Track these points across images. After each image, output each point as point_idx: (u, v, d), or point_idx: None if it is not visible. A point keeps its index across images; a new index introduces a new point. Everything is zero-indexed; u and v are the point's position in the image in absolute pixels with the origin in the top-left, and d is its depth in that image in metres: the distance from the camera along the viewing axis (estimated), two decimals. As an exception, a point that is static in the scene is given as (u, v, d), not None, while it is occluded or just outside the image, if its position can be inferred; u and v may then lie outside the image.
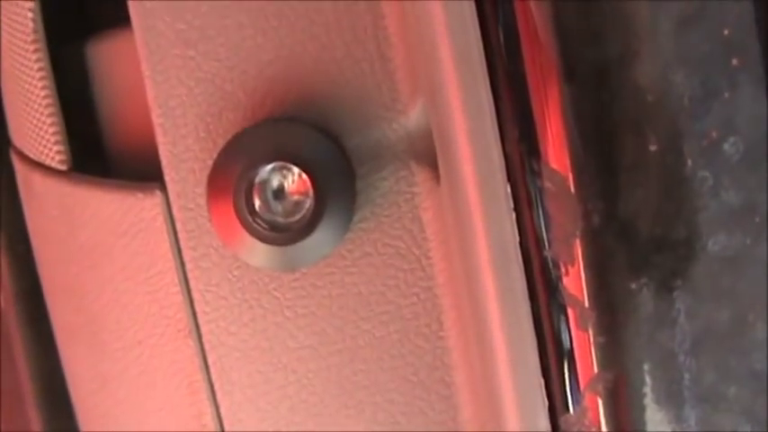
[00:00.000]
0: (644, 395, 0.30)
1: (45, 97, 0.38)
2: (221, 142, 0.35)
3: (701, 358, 0.29)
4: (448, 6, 0.29)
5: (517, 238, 0.30)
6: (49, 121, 0.38)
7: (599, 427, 0.31)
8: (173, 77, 0.35)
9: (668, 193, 0.29)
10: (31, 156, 0.39)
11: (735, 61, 0.28)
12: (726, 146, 0.28)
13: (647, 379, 0.30)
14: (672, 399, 0.30)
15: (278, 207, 0.34)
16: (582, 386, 0.30)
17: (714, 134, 0.28)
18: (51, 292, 0.41)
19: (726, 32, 0.28)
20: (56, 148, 0.38)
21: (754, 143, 0.29)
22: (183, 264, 0.36)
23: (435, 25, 0.29)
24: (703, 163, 0.28)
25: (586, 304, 0.30)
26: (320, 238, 0.34)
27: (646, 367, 0.30)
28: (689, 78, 0.28)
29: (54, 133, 0.38)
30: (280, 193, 0.34)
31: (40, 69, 0.38)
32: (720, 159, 0.28)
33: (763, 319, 0.30)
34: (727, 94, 0.28)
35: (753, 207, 0.29)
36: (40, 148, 0.39)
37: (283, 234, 0.33)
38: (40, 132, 0.38)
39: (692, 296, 0.29)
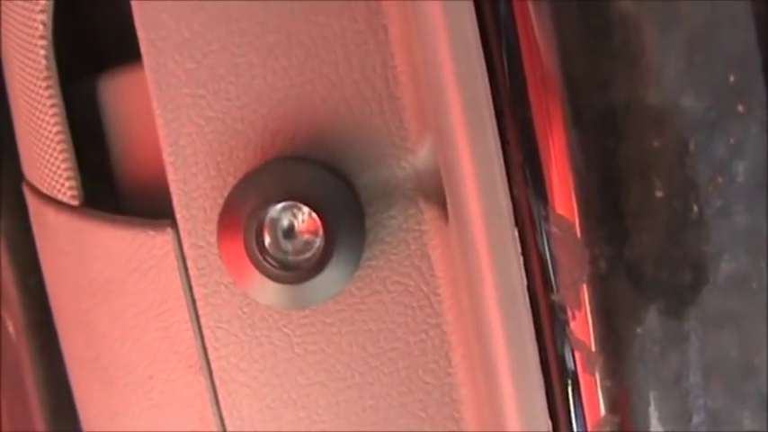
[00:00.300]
0: (653, 437, 0.30)
1: (57, 133, 0.38)
2: (232, 180, 0.35)
3: (711, 401, 0.30)
4: (456, 52, 0.30)
5: (525, 282, 0.30)
6: (61, 156, 0.38)
7: (607, 471, 0.31)
8: (183, 116, 0.35)
9: (673, 239, 0.29)
10: (44, 190, 0.40)
11: (741, 108, 0.28)
12: (731, 191, 0.29)
13: (655, 422, 0.30)
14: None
15: (288, 246, 0.34)
16: (589, 429, 0.30)
17: (720, 180, 0.28)
18: (63, 325, 0.41)
19: (732, 79, 0.28)
20: (68, 183, 0.38)
21: (759, 185, 0.29)
22: (193, 300, 0.36)
23: (444, 70, 0.30)
24: (709, 210, 0.28)
25: (593, 348, 0.30)
26: (330, 276, 0.34)
27: (653, 411, 0.30)
28: (694, 125, 0.28)
29: (66, 169, 0.38)
30: (290, 231, 0.34)
31: (52, 106, 0.38)
32: (725, 205, 0.28)
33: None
34: (732, 141, 0.28)
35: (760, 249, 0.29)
36: (53, 183, 0.39)
37: (293, 273, 0.34)
38: (52, 168, 0.39)
39: (699, 341, 0.29)
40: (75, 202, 0.38)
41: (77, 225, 0.38)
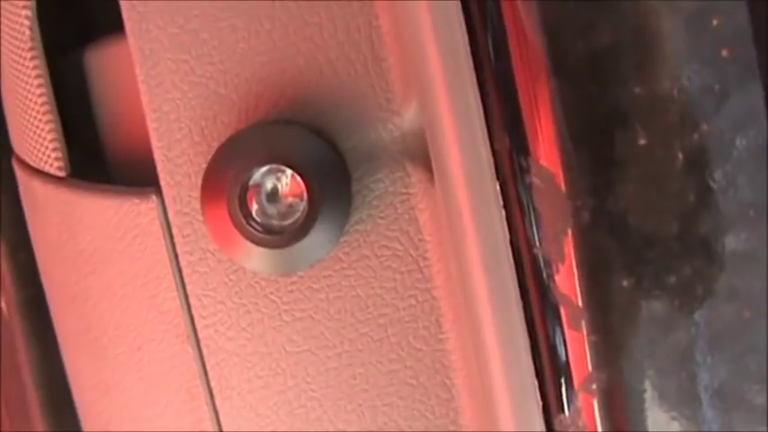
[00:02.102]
0: (641, 394, 0.29)
1: (43, 104, 0.38)
2: (216, 146, 0.35)
3: (702, 356, 0.29)
4: (433, 5, 0.29)
5: (507, 237, 0.30)
6: (47, 128, 0.38)
7: (594, 428, 0.30)
8: (167, 82, 0.35)
9: (659, 188, 0.28)
10: (31, 163, 0.39)
11: (725, 52, 0.27)
12: (720, 139, 0.28)
13: (644, 378, 0.29)
14: (672, 398, 0.30)
15: (272, 210, 0.34)
16: (576, 386, 0.30)
17: (705, 127, 0.27)
18: (54, 299, 0.41)
19: (715, 23, 0.27)
20: (54, 154, 0.38)
21: (750, 138, 0.28)
22: (179, 268, 0.36)
23: (421, 24, 0.29)
24: (694, 156, 0.28)
25: (579, 303, 0.29)
26: (315, 240, 0.33)
27: (641, 366, 0.29)
28: (678, 71, 0.28)
29: (52, 140, 0.38)
30: (274, 195, 0.34)
31: (37, 77, 0.38)
32: (712, 153, 0.28)
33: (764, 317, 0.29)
34: (717, 87, 0.27)
35: (751, 204, 0.28)
36: (39, 155, 0.39)
37: (278, 237, 0.33)
38: (38, 140, 0.38)
39: (687, 293, 0.29)
40: (61, 174, 0.38)
41: (64, 196, 0.38)
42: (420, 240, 0.34)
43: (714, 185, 0.28)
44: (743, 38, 0.28)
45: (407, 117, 0.34)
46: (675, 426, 0.29)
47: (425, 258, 0.34)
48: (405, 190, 0.34)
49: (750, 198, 0.28)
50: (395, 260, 0.35)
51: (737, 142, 0.28)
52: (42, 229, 0.40)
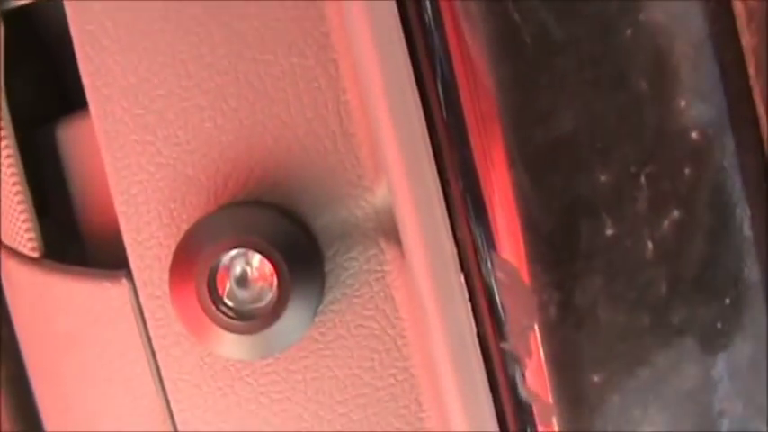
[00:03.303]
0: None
1: (14, 184, 0.37)
2: (185, 228, 0.34)
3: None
4: (389, 92, 0.28)
5: (474, 330, 0.29)
6: (19, 208, 0.37)
7: None
8: (133, 164, 0.34)
9: (629, 279, 0.27)
10: (6, 242, 0.39)
11: (695, 135, 0.26)
12: (692, 226, 0.27)
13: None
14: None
15: (243, 294, 0.33)
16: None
17: (676, 214, 0.26)
18: (34, 378, 0.40)
19: (683, 104, 0.26)
20: (27, 235, 0.37)
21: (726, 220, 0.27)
22: (153, 352, 0.35)
23: (378, 107, 0.28)
24: (664, 244, 0.27)
25: (549, 399, 0.28)
26: (288, 324, 0.33)
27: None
28: (646, 156, 0.27)
29: (25, 220, 0.37)
30: (243, 280, 0.33)
31: (8, 156, 0.37)
32: (683, 242, 0.27)
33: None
34: (687, 171, 0.26)
35: (720, 292, 0.27)
36: (13, 235, 0.38)
37: (249, 322, 0.32)
38: (11, 219, 0.38)
39: (662, 387, 0.28)
40: (35, 254, 0.38)
41: (38, 278, 0.37)
42: (397, 318, 0.34)
43: (686, 274, 0.27)
44: (713, 120, 0.27)
45: (380, 193, 0.33)
46: None
47: (403, 337, 0.34)
48: (379, 268, 0.34)
49: (724, 285, 0.27)
50: (372, 339, 0.34)
51: (710, 228, 0.27)
52: (20, 309, 0.40)
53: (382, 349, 0.34)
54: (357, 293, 0.34)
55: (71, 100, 0.41)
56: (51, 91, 0.43)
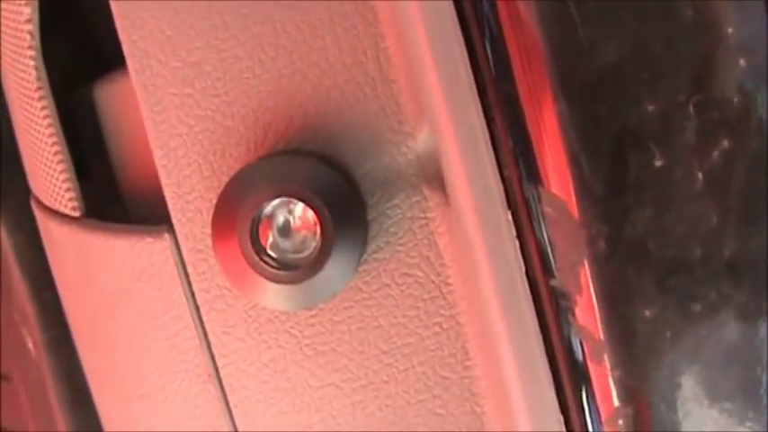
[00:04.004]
0: (669, 428, 0.28)
1: (53, 144, 0.37)
2: (226, 180, 0.34)
3: (730, 385, 0.27)
4: (431, 30, 0.28)
5: (523, 268, 0.28)
6: (59, 168, 0.37)
7: (624, 464, 0.29)
8: (172, 117, 0.34)
9: (679, 212, 0.26)
10: (47, 203, 0.39)
11: (742, 62, 0.26)
12: (742, 155, 0.26)
13: (673, 412, 0.28)
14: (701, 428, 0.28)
15: (286, 244, 0.33)
16: (602, 422, 0.28)
17: (726, 143, 0.26)
18: (78, 338, 0.41)
19: (730, 30, 0.25)
20: (68, 195, 0.37)
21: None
22: (197, 307, 0.35)
23: (420, 48, 0.28)
24: (714, 175, 0.26)
25: (600, 336, 0.28)
26: (331, 273, 0.32)
27: (670, 399, 0.28)
28: (693, 84, 0.26)
29: (65, 180, 0.37)
30: (286, 229, 0.33)
31: (46, 117, 0.37)
32: (734, 171, 0.26)
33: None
34: (736, 99, 0.26)
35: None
36: (54, 195, 0.38)
37: (293, 272, 0.32)
38: (51, 180, 0.38)
39: (714, 320, 0.27)
40: (75, 214, 0.37)
41: (80, 237, 0.37)
42: (441, 266, 0.33)
43: (737, 205, 0.26)
44: (760, 45, 0.26)
45: (421, 139, 0.33)
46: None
47: (448, 284, 0.33)
48: (423, 215, 0.33)
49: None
50: (416, 287, 0.34)
51: (761, 158, 0.26)
52: (62, 270, 0.40)
53: (427, 297, 0.34)
54: (401, 241, 0.33)
55: (107, 65, 0.41)
56: (88, 54, 0.43)
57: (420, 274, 0.33)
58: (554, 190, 0.27)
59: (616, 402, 0.28)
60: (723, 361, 0.27)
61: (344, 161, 0.33)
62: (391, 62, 0.32)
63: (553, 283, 0.28)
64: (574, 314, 0.28)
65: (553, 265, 0.28)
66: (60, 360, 0.42)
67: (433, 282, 0.33)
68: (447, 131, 0.28)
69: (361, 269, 0.34)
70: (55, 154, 0.37)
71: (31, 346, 0.42)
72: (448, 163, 0.28)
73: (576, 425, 0.29)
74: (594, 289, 0.27)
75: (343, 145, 0.33)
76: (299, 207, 0.32)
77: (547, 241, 0.28)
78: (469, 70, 0.28)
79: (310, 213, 0.32)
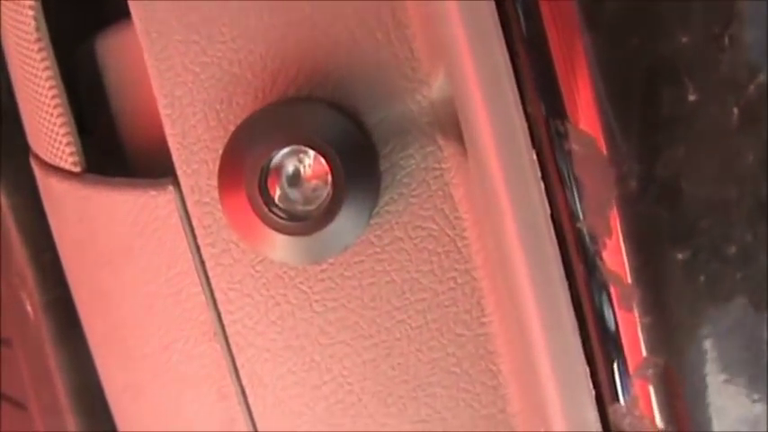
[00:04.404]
0: (702, 379, 0.26)
1: (53, 97, 0.36)
2: (233, 129, 0.32)
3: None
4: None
5: (548, 211, 0.27)
6: (59, 122, 0.36)
7: (652, 417, 0.27)
8: (177, 65, 0.33)
9: (713, 149, 0.25)
10: (47, 159, 0.38)
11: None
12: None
13: (705, 360, 0.26)
14: (739, 381, 0.27)
15: (295, 194, 0.31)
16: (631, 372, 0.27)
17: (763, 77, 0.24)
18: (79, 299, 0.39)
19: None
20: (68, 149, 0.36)
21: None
22: (202, 262, 0.34)
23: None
24: (750, 111, 0.25)
25: (629, 281, 0.26)
26: (343, 225, 0.31)
27: (702, 348, 0.26)
28: (729, 16, 0.25)
29: (65, 134, 0.36)
30: (296, 179, 0.31)
31: (45, 69, 0.36)
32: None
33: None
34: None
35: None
36: (54, 151, 0.37)
37: (302, 223, 0.31)
38: (52, 135, 0.37)
39: (750, 264, 0.26)
40: (76, 169, 0.36)
41: (80, 192, 0.36)
42: (456, 218, 0.32)
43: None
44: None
45: (436, 86, 0.31)
46: (743, 411, 0.27)
47: (463, 237, 0.32)
48: (437, 165, 0.32)
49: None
50: (430, 241, 0.32)
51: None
52: (62, 228, 0.39)
53: (441, 251, 0.32)
54: (414, 193, 0.32)
55: (107, 20, 0.39)
56: (89, 8, 0.41)
57: (434, 227, 0.32)
58: (582, 126, 0.26)
59: (645, 352, 0.27)
60: (759, 306, 0.26)
61: (356, 109, 0.32)
62: (404, 6, 0.31)
63: (580, 225, 0.27)
64: (602, 258, 0.27)
65: (579, 207, 0.27)
66: (59, 323, 0.41)
67: (448, 235, 0.32)
68: (468, 67, 0.26)
69: (372, 222, 0.32)
70: (55, 107, 0.36)
71: (29, 309, 0.41)
72: (468, 101, 0.27)
73: (602, 376, 0.27)
74: (624, 231, 0.26)
75: (355, 92, 0.32)
76: (309, 156, 0.31)
77: (574, 181, 0.26)
78: (492, 4, 0.26)
79: (321, 162, 0.31)
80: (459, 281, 0.32)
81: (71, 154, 0.36)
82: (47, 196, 0.39)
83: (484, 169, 0.28)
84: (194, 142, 0.33)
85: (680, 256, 0.26)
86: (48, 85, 0.36)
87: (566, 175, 0.27)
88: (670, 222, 0.26)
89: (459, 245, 0.32)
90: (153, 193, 0.34)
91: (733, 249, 0.26)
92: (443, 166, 0.32)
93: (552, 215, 0.27)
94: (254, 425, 0.34)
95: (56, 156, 0.37)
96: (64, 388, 0.41)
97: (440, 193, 0.32)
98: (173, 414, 0.36)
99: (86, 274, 0.38)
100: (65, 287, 0.40)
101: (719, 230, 0.26)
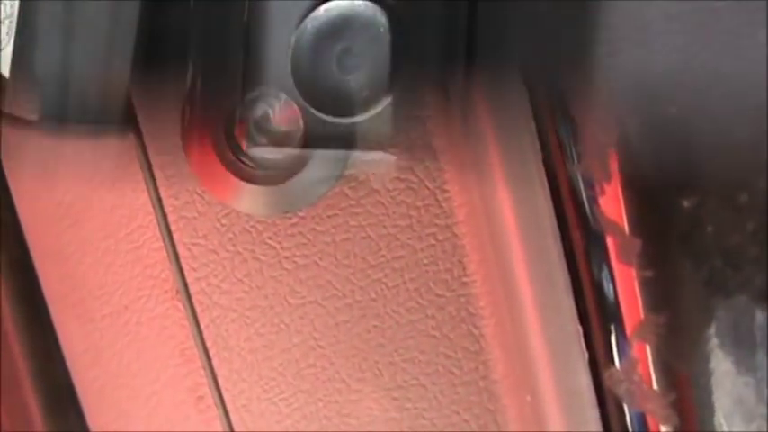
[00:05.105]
0: (706, 341, 0.24)
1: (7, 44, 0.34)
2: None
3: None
4: None
5: (539, 154, 0.24)
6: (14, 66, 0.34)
7: (650, 382, 0.25)
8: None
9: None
10: (2, 107, 0.35)
11: None
12: None
13: (710, 321, 0.24)
14: (745, 344, 0.25)
15: (264, 140, 0.29)
16: (628, 333, 0.25)
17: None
18: (37, 258, 0.37)
19: None
20: (24, 96, 0.34)
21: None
22: (164, 215, 0.31)
23: None
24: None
25: (628, 231, 0.24)
26: (314, 174, 0.29)
27: (707, 306, 0.24)
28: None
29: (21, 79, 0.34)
30: (265, 123, 0.29)
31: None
32: None
33: None
34: None
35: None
36: (10, 99, 0.35)
37: (272, 172, 0.29)
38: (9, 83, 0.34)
39: (763, 213, 0.23)
40: (33, 117, 0.34)
41: (38, 142, 0.34)
42: (437, 169, 0.30)
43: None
44: None
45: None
46: (749, 377, 0.24)
47: (444, 190, 0.30)
48: (418, 112, 0.30)
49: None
50: (409, 194, 0.30)
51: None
52: (20, 182, 0.36)
53: (421, 205, 0.30)
54: (392, 142, 0.30)
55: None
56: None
57: (413, 178, 0.30)
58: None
59: (644, 311, 0.25)
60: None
61: None
62: None
63: (575, 169, 0.24)
64: (599, 206, 0.24)
65: (577, 149, 0.24)
66: (18, 283, 0.39)
67: (428, 188, 0.30)
68: None
69: (347, 173, 0.30)
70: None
71: (-14, 268, 0.39)
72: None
73: (596, 337, 0.25)
74: (624, 176, 0.24)
75: None
76: (279, 99, 0.29)
77: (570, 120, 0.24)
78: None
79: (293, 107, 0.29)
80: (440, 237, 0.30)
81: (28, 101, 0.34)
82: (3, 148, 0.37)
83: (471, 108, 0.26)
84: (157, 85, 0.31)
85: (686, 203, 0.23)
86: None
87: (562, 114, 0.24)
88: (676, 164, 0.23)
89: (440, 198, 0.30)
90: (113, 140, 0.32)
91: (745, 197, 0.23)
92: (424, 112, 0.30)
93: (544, 158, 0.25)
94: (219, 390, 0.32)
95: (11, 104, 0.35)
96: (21, 351, 0.39)
97: (419, 141, 0.30)
98: (133, 378, 0.34)
99: (45, 230, 0.36)
100: (24, 247, 0.38)
101: (730, 176, 0.23)
